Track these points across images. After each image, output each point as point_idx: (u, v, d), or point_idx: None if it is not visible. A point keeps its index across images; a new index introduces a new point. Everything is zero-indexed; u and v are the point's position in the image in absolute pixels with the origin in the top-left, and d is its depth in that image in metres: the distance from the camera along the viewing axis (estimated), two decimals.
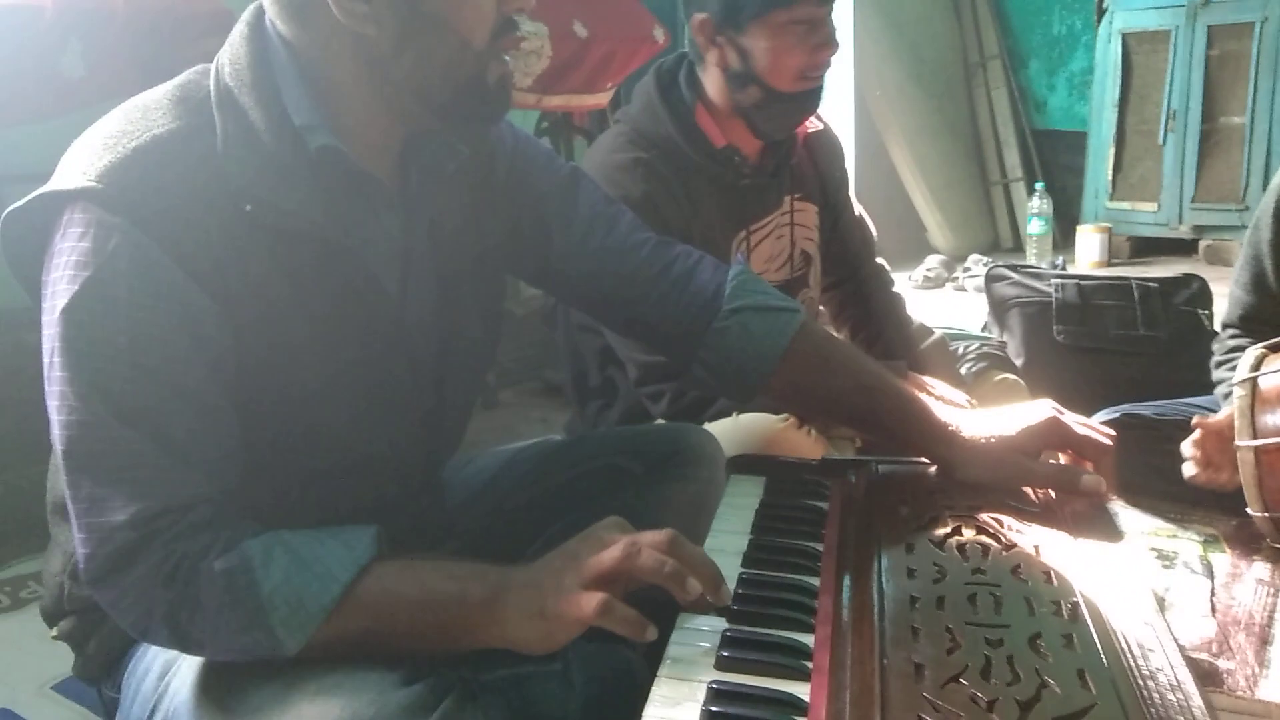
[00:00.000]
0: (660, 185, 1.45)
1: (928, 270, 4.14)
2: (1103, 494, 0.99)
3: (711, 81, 1.51)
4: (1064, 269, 3.30)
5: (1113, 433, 1.04)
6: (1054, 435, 1.03)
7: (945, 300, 3.97)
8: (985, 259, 4.05)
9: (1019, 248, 4.63)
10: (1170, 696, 0.70)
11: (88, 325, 0.82)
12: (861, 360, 1.12)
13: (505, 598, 0.82)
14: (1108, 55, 4.38)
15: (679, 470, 1.20)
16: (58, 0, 1.70)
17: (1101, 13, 4.37)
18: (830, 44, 1.45)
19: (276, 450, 0.93)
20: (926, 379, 1.52)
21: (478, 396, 1.22)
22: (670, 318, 1.13)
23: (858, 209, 1.80)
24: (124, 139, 0.85)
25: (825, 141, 1.72)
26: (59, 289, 0.83)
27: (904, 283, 4.17)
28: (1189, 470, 1.66)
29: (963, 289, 3.99)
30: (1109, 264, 4.29)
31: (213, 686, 0.86)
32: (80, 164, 0.84)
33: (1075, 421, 1.04)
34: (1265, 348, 1.62)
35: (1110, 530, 0.96)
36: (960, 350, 1.93)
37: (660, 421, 1.52)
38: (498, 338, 1.16)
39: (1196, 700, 0.70)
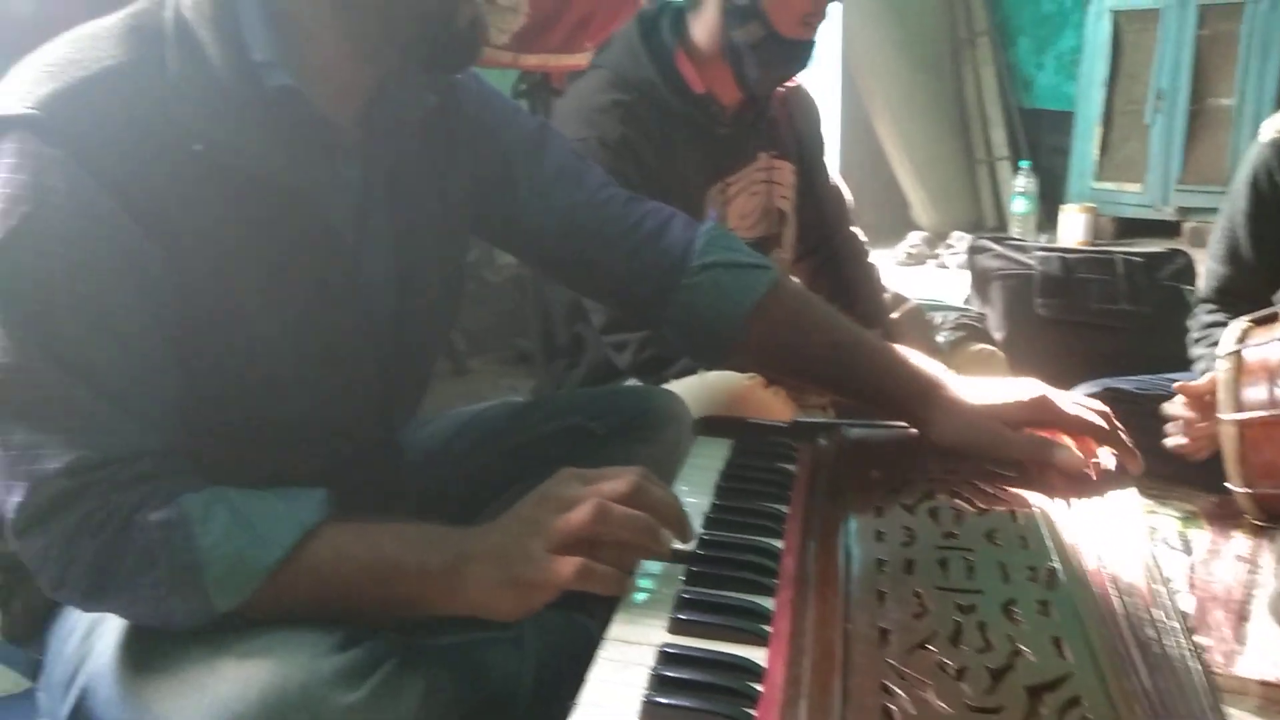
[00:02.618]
0: (638, 128, 1.42)
1: (910, 247, 4.10)
2: (1081, 470, 0.94)
3: (704, 23, 1.48)
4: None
5: (1106, 409, 0.99)
6: (1042, 411, 0.97)
7: (927, 277, 3.93)
8: (968, 236, 4.00)
9: (1003, 226, 4.59)
10: (1163, 668, 0.66)
11: (22, 264, 0.77)
12: (837, 318, 1.07)
13: (468, 567, 0.77)
14: (1097, 33, 4.33)
15: (642, 432, 1.16)
16: None
17: None
18: None
19: (222, 405, 0.88)
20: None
21: (437, 356, 1.17)
22: (639, 275, 1.08)
23: (834, 176, 1.77)
24: (70, 68, 0.79)
25: (802, 101, 1.69)
26: None
27: (886, 259, 4.13)
28: (1172, 438, 1.63)
29: (945, 266, 3.95)
30: (1094, 244, 4.26)
31: (137, 646, 0.81)
32: (20, 89, 0.79)
33: (1065, 400, 0.99)
34: (1250, 321, 1.59)
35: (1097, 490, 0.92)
36: (938, 320, 1.89)
37: (628, 381, 1.48)
38: (458, 296, 1.11)
39: (1196, 678, 0.65)
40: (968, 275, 2.41)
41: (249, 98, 0.83)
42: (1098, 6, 4.31)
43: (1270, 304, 1.72)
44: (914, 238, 4.15)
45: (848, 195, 1.81)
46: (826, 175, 1.75)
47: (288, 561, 0.77)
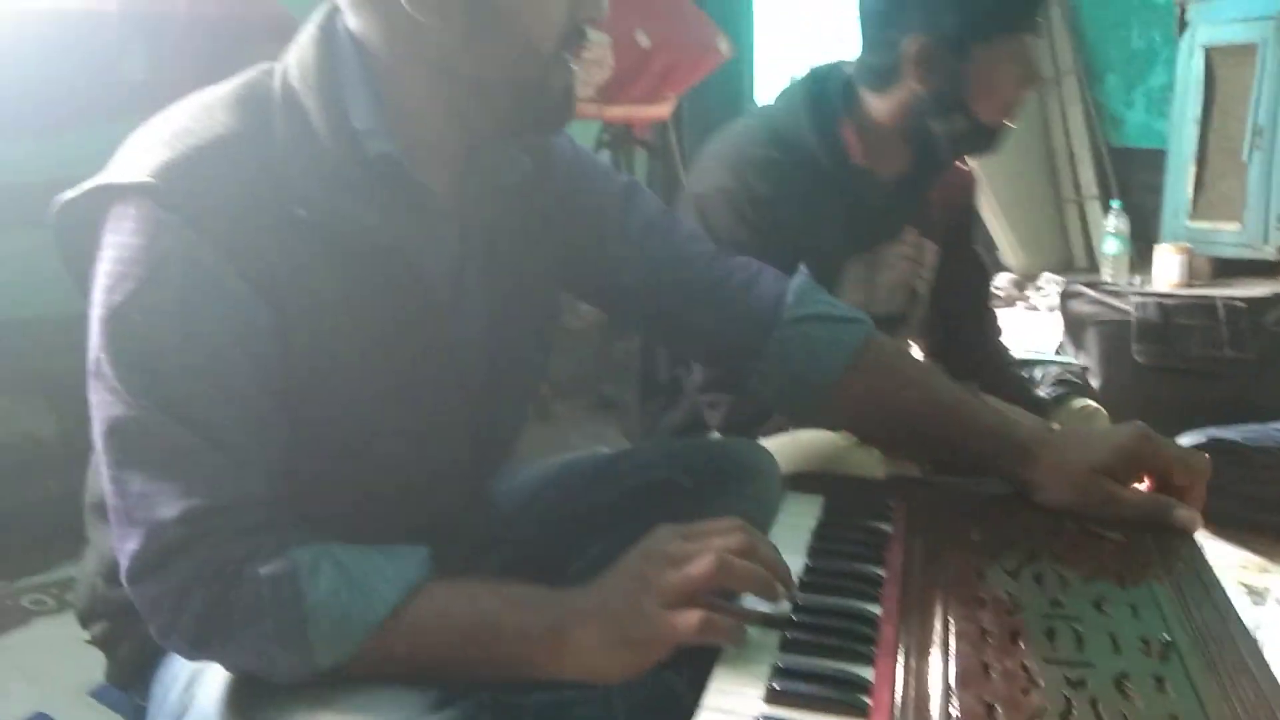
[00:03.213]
0: (786, 188, 1.38)
1: (998, 288, 4.02)
2: (1195, 527, 0.90)
3: (888, 102, 1.42)
4: (1141, 288, 3.17)
5: (1206, 456, 0.96)
6: (1145, 455, 0.95)
7: (1016, 319, 3.85)
8: (1058, 278, 3.92)
9: (1093, 267, 4.48)
10: None
11: (139, 323, 0.80)
12: (934, 374, 1.05)
13: (575, 631, 0.78)
14: (1189, 70, 4.22)
15: (730, 485, 1.14)
16: (122, 4, 1.71)
17: (1183, 26, 4.22)
18: (1038, 77, 1.41)
19: (320, 459, 0.90)
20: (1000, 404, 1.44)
21: (528, 410, 1.18)
22: (728, 328, 1.08)
23: (979, 253, 1.75)
24: (185, 136, 0.83)
25: (960, 181, 1.65)
26: (109, 284, 0.81)
27: None
28: None
29: (1034, 308, 3.87)
30: (1189, 285, 4.13)
31: (237, 699, 0.83)
32: (138, 158, 0.83)
33: (1165, 443, 0.95)
34: None
35: (1201, 563, 0.88)
36: (1038, 375, 1.85)
37: (714, 435, 1.47)
38: (549, 354, 1.12)
39: None
40: (1058, 318, 2.36)
41: (351, 164, 0.86)
42: (1189, 43, 4.20)
43: None
44: (1002, 279, 4.08)
45: (989, 271, 1.79)
46: (971, 249, 1.71)
47: (391, 620, 0.79)
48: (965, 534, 0.92)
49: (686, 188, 1.46)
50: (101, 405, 0.81)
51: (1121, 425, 0.98)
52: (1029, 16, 1.36)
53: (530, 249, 1.03)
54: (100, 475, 0.83)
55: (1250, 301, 2.18)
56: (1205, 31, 4.17)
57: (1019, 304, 3.98)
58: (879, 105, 1.43)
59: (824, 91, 1.46)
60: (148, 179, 0.81)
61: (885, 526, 0.95)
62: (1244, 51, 4.08)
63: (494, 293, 1.00)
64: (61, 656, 1.54)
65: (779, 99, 1.49)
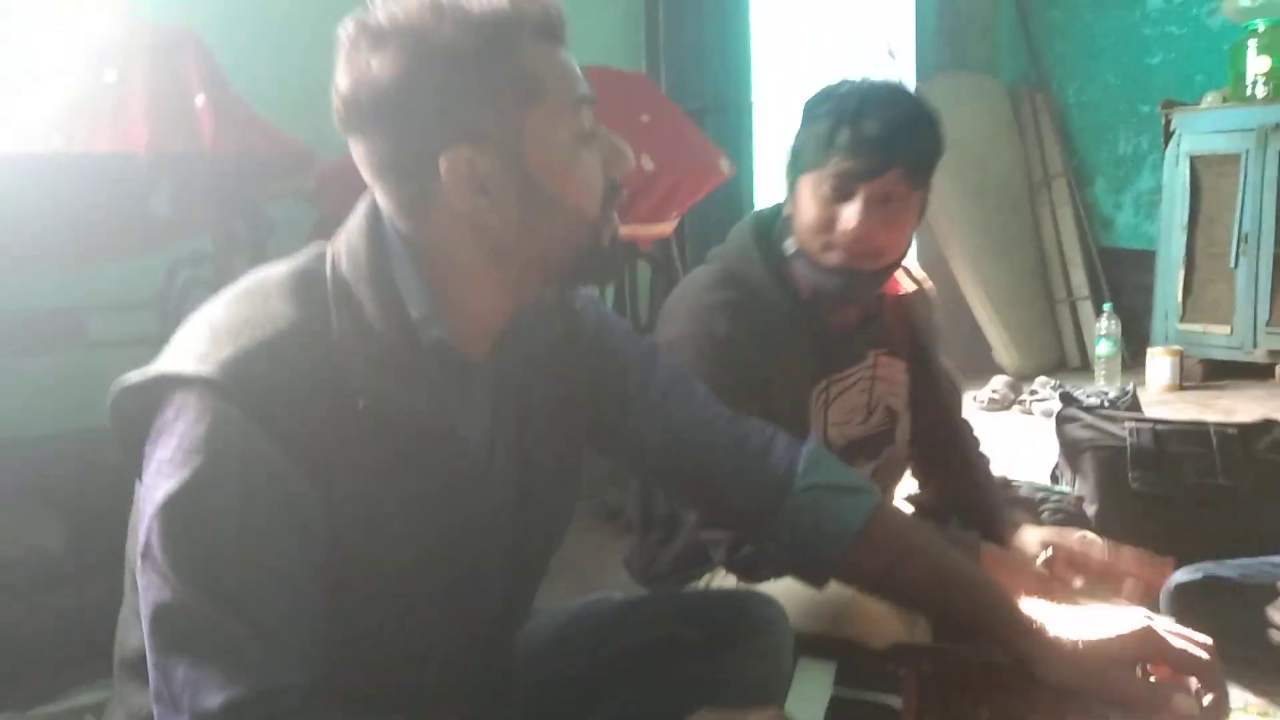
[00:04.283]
0: (746, 328, 1.44)
1: (993, 392, 4.07)
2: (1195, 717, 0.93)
3: None
4: (1134, 394, 3.21)
5: (1209, 643, 0.99)
6: (1148, 647, 0.99)
7: (1011, 423, 3.89)
8: (1052, 382, 3.98)
9: (1086, 366, 4.55)
10: None
11: (194, 510, 0.83)
12: (938, 546, 1.09)
13: None
14: (1176, 177, 4.34)
15: (740, 642, 1.17)
16: (151, 145, 1.78)
17: (1169, 136, 4.35)
18: (856, 220, 1.38)
19: (357, 629, 0.93)
20: (1002, 551, 1.47)
21: (550, 562, 1.21)
22: (744, 493, 1.13)
23: (947, 367, 1.79)
24: (247, 328, 0.87)
25: (917, 301, 1.70)
26: (167, 470, 0.84)
27: (969, 403, 4.10)
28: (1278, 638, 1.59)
29: (1029, 412, 3.92)
30: (1181, 387, 4.20)
31: None
32: (201, 349, 0.87)
33: (1169, 630, 0.99)
34: None
35: None
36: (1039, 501, 1.88)
37: (721, 574, 1.50)
38: (574, 509, 1.16)
39: None
40: (1053, 424, 2.39)
41: (404, 350, 0.90)
42: (1175, 151, 4.33)
43: None
44: (997, 382, 4.12)
45: (959, 385, 1.82)
46: (937, 365, 1.75)
47: None
48: (974, 713, 0.95)
49: (655, 336, 1.50)
50: (150, 588, 0.84)
51: (1127, 611, 1.02)
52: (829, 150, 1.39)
53: (559, 409, 1.08)
54: (131, 633, 0.87)
55: (1242, 429, 2.22)
56: (1190, 141, 4.30)
57: (1014, 407, 4.03)
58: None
59: (769, 231, 1.53)
60: (212, 373, 0.84)
61: (894, 703, 0.98)
62: (1228, 161, 4.20)
63: (525, 453, 1.04)
64: None
65: (729, 242, 1.56)
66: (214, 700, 0.81)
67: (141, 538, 0.85)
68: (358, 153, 0.92)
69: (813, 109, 1.43)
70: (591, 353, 1.11)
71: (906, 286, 1.63)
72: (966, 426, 1.79)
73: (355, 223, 0.95)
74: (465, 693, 0.95)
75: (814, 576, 1.14)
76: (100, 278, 2.03)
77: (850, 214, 1.38)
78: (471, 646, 1.04)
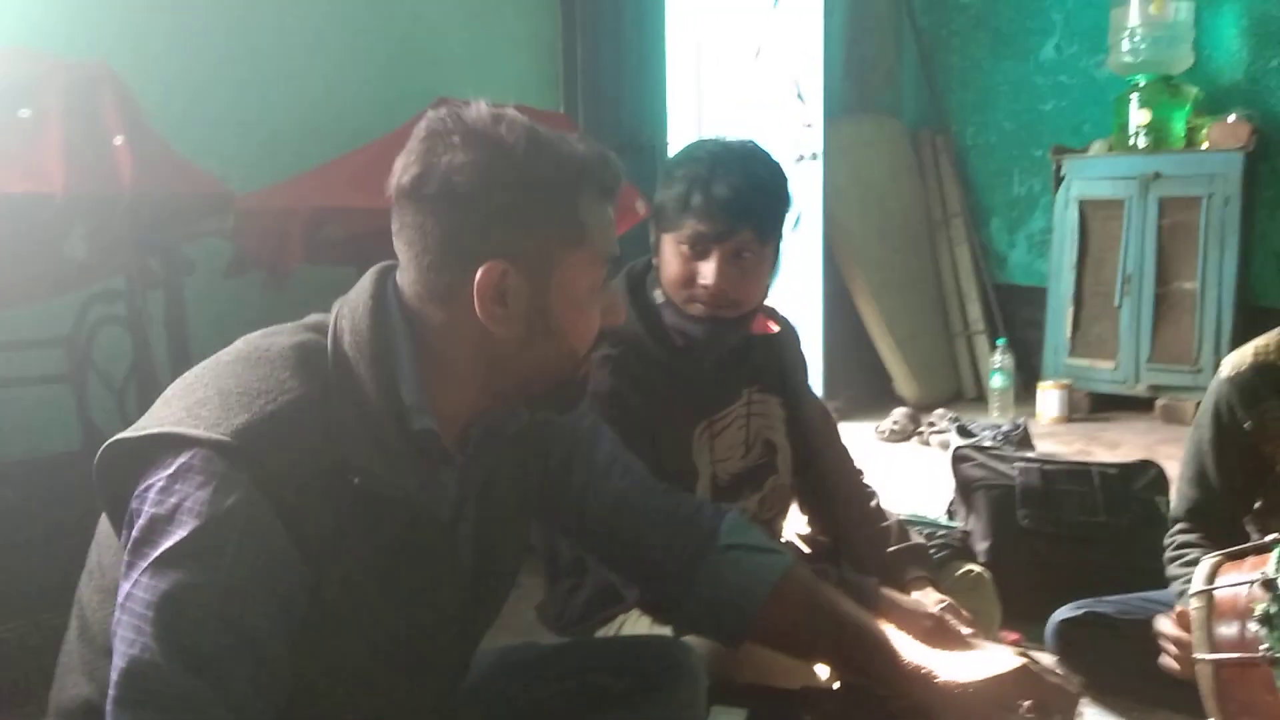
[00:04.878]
0: (626, 380, 1.52)
1: (894, 423, 4.22)
2: None
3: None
4: (1025, 428, 3.38)
5: (1079, 682, 1.09)
6: (1025, 686, 1.09)
7: (910, 454, 4.05)
8: (950, 414, 4.14)
9: (981, 398, 4.75)
10: None
11: (187, 571, 0.85)
12: (841, 603, 1.18)
13: None
14: (1065, 219, 4.58)
15: (658, 692, 1.24)
16: (67, 188, 1.76)
17: (1059, 180, 4.59)
18: (712, 278, 1.47)
19: (315, 690, 0.96)
20: (898, 597, 1.55)
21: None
22: (672, 554, 1.21)
23: (817, 399, 1.88)
24: (257, 399, 0.90)
25: (784, 338, 1.80)
26: (164, 528, 0.86)
27: (870, 434, 4.26)
28: (1166, 661, 1.70)
29: (927, 444, 4.07)
30: (1069, 419, 4.41)
31: None
32: (209, 414, 0.89)
33: (1044, 671, 1.09)
34: (1221, 556, 1.68)
35: None
36: (926, 536, 1.97)
37: (635, 615, 1.55)
38: (519, 569, 1.22)
39: None
40: (949, 458, 2.51)
41: (396, 434, 0.95)
42: (1065, 194, 4.56)
43: (1240, 525, 1.82)
44: (897, 413, 4.28)
45: (831, 415, 1.90)
46: (811, 401, 1.85)
47: None
48: None
49: None
50: (125, 640, 0.85)
51: (1006, 657, 1.11)
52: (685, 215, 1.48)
53: (515, 481, 1.14)
54: (72, 680, 0.90)
55: (1120, 468, 2.37)
56: (1079, 185, 4.54)
57: (913, 439, 4.18)
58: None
59: (642, 283, 1.61)
60: (224, 438, 0.87)
61: None
62: (1113, 205, 4.45)
63: (483, 522, 1.09)
64: None
65: None
66: None
67: (124, 587, 0.87)
68: (406, 224, 0.97)
69: (671, 171, 1.53)
70: (545, 436, 1.18)
71: (774, 326, 1.74)
72: (848, 457, 1.86)
73: (360, 300, 0.99)
74: None
75: (732, 629, 1.21)
76: (9, 313, 1.99)
77: (707, 271, 1.48)
78: (424, 698, 1.09)
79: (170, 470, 0.87)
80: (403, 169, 0.96)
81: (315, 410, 0.92)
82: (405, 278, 0.99)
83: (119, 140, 1.85)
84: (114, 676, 0.85)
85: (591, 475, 1.20)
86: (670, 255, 1.52)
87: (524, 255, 0.96)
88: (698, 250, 1.49)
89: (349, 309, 0.99)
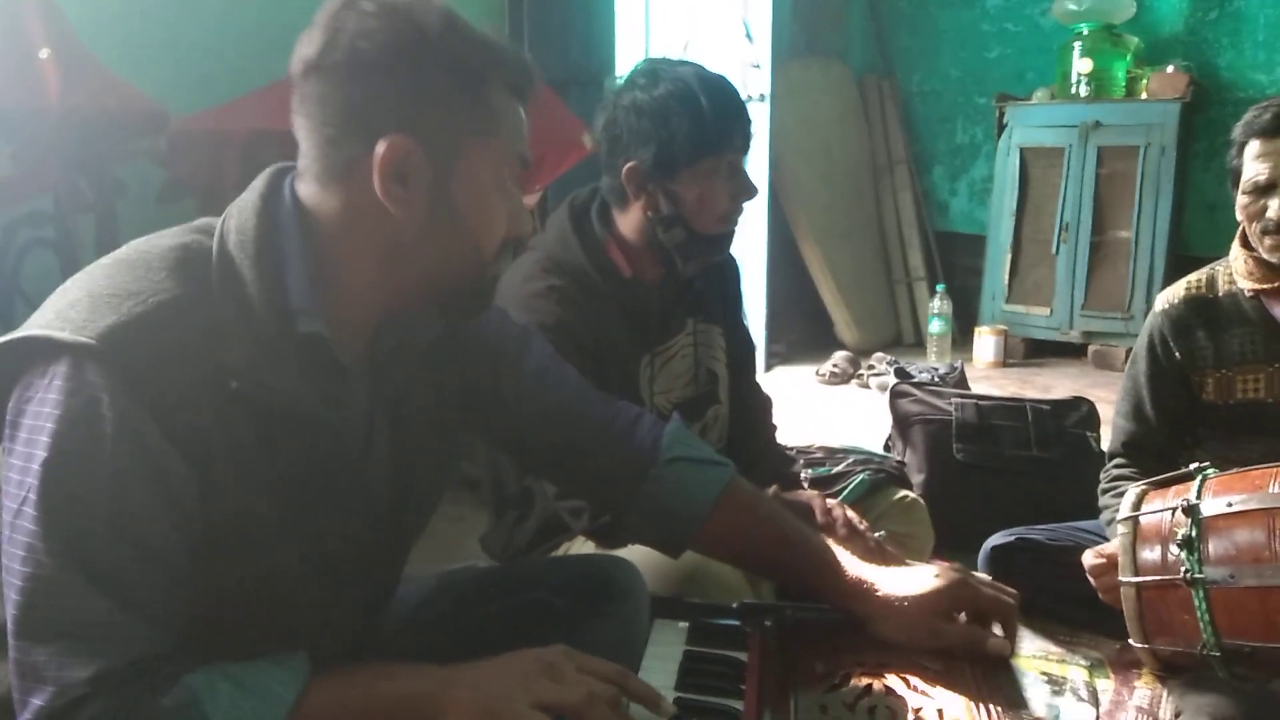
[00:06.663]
0: (573, 311, 1.52)
1: (834, 366, 4.27)
2: (1007, 654, 1.06)
3: (630, 221, 1.59)
4: (961, 371, 3.44)
5: (1015, 593, 1.12)
6: (964, 597, 1.11)
7: (849, 396, 4.11)
8: (889, 358, 4.20)
9: (920, 344, 4.82)
10: None
11: (68, 484, 0.83)
12: (783, 514, 1.19)
13: (450, 691, 0.88)
14: (1006, 167, 4.63)
15: (603, 607, 1.24)
16: None
17: (1002, 127, 4.63)
18: (750, 189, 1.59)
19: (230, 602, 0.95)
20: (831, 503, 1.59)
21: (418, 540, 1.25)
22: (612, 468, 1.20)
23: (747, 329, 1.92)
24: (127, 300, 0.86)
25: (726, 268, 1.82)
26: (39, 439, 0.83)
27: (810, 376, 4.31)
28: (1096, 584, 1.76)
29: (866, 386, 4.13)
30: (1004, 364, 4.50)
31: None
32: (78, 317, 0.85)
33: (981, 583, 1.12)
34: (1147, 484, 1.74)
35: (1013, 692, 1.03)
36: (856, 465, 2.00)
37: (580, 542, 1.56)
38: (447, 487, 1.20)
39: None
40: (887, 397, 2.56)
41: (281, 338, 0.91)
42: (1007, 142, 4.61)
43: (1174, 459, 1.88)
44: (837, 357, 4.33)
45: (754, 345, 1.95)
46: (743, 327, 1.89)
47: (293, 716, 0.85)
48: (811, 666, 1.04)
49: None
50: (16, 559, 0.83)
51: (943, 567, 1.14)
52: (728, 140, 1.54)
53: (433, 395, 1.11)
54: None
55: (1054, 405, 2.43)
56: (1020, 133, 4.59)
57: (853, 381, 4.24)
58: (624, 222, 1.61)
59: (586, 214, 1.62)
60: (89, 341, 0.83)
61: (741, 656, 1.07)
62: (1053, 154, 4.51)
63: (400, 439, 1.07)
64: None
65: (548, 229, 1.64)
66: (82, 672, 0.82)
67: (9, 505, 0.85)
68: (306, 97, 0.93)
69: (667, 107, 1.51)
70: (466, 345, 1.14)
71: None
72: (758, 386, 1.93)
73: (249, 199, 0.95)
74: (332, 658, 0.99)
75: (674, 544, 1.21)
76: None
77: (745, 185, 1.58)
78: (345, 616, 1.07)
79: (39, 377, 0.85)
80: (307, 40, 0.92)
81: (191, 312, 0.88)
82: (302, 163, 0.95)
83: (45, 53, 1.79)
84: (10, 596, 0.83)
85: (521, 385, 1.17)
86: (709, 186, 1.54)
87: (429, 134, 0.92)
88: (736, 170, 1.55)
89: (237, 209, 0.95)
